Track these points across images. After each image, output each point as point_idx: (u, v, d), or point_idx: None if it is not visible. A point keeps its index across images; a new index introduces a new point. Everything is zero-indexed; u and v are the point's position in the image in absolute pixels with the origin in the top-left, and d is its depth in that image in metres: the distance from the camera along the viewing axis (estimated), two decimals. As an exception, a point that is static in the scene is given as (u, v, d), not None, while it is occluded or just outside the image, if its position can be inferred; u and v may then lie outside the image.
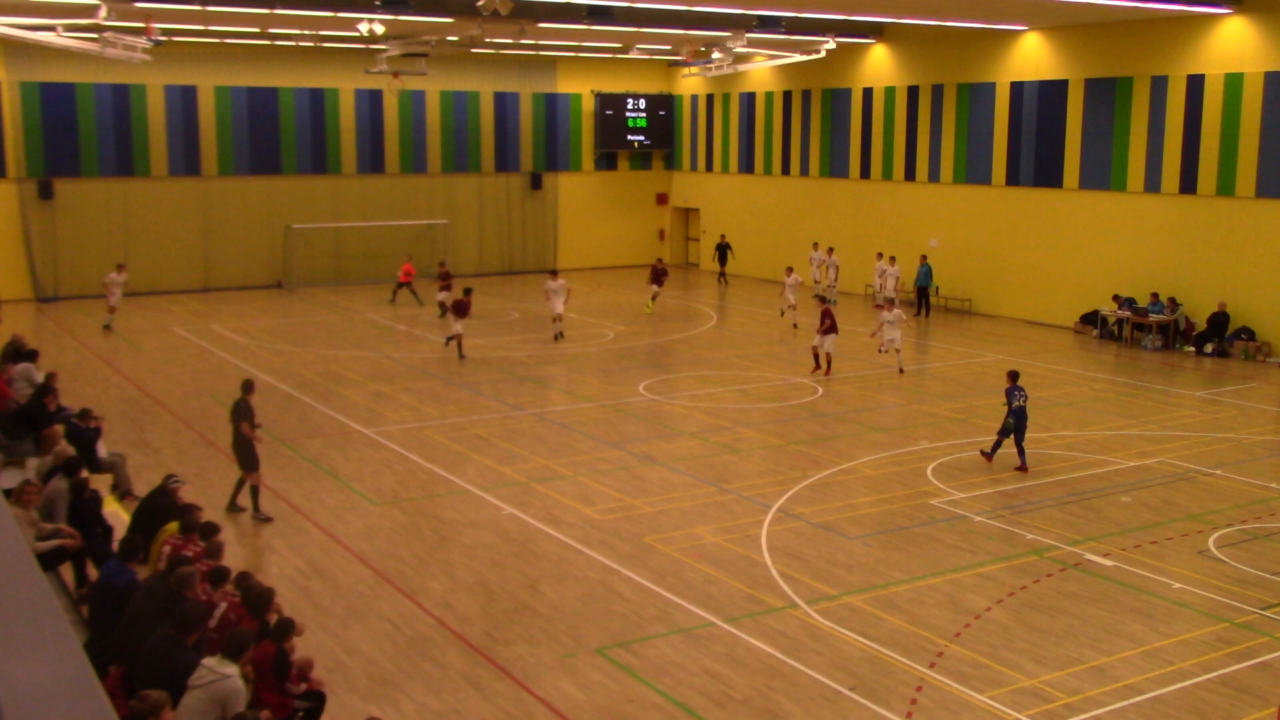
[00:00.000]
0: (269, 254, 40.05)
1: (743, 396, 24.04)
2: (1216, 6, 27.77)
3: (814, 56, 34.96)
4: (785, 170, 41.86)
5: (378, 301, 36.35)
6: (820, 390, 24.51)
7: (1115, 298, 30.77)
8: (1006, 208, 34.12)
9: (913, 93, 36.71)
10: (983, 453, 19.18)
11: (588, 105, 45.30)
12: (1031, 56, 33.10)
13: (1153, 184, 30.26)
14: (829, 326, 25.43)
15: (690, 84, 45.47)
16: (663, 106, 46.64)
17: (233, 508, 16.50)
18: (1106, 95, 31.18)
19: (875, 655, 12.07)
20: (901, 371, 26.05)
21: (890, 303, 27.58)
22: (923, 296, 34.68)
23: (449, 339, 28.13)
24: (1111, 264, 31.29)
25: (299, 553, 14.96)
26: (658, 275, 34.72)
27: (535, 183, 44.48)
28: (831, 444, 20.31)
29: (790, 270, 32.37)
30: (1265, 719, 10.82)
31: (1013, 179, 33.84)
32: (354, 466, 18.86)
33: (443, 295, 32.17)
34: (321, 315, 34.33)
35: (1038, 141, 33.05)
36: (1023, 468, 18.59)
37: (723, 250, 40.93)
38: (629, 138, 46.13)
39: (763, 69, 41.09)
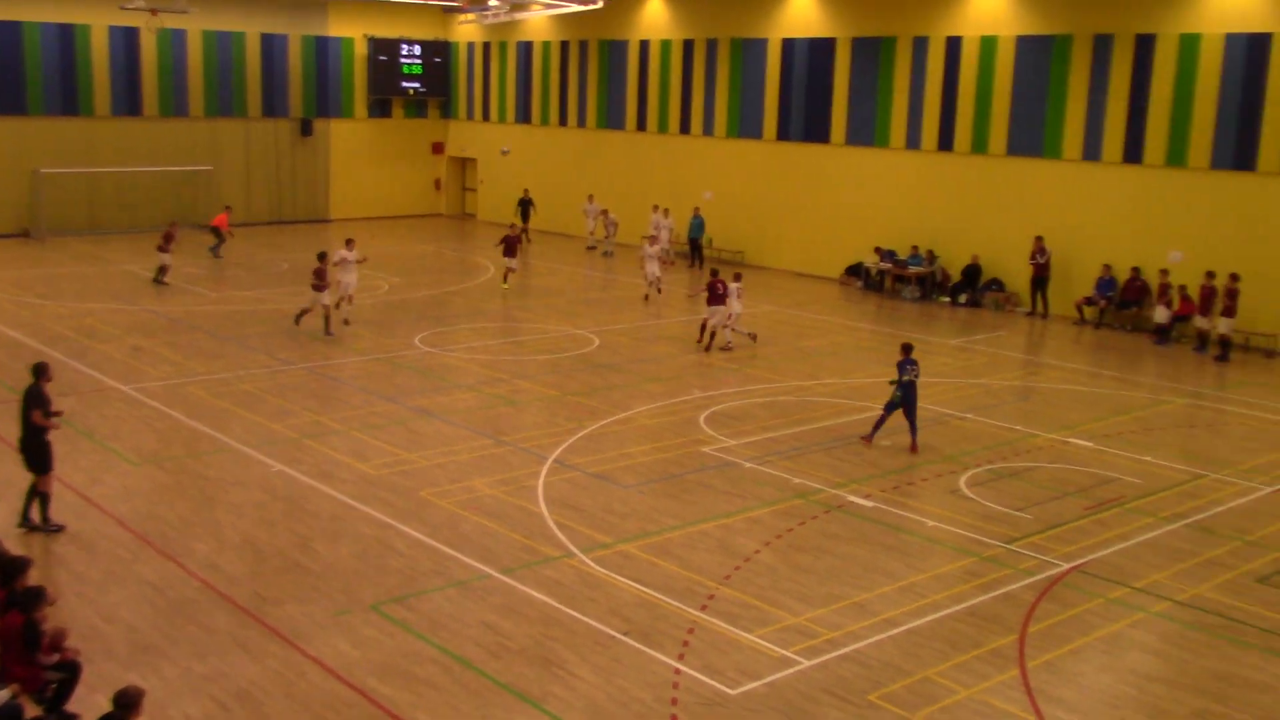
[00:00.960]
0: (14, 200, 37.48)
1: (519, 348, 24.00)
2: (971, -29, 29.06)
3: (591, 7, 34.91)
4: (563, 121, 41.77)
5: (139, 252, 34.52)
6: (597, 341, 24.69)
7: (877, 250, 32.05)
8: (777, 162, 35.01)
9: (688, 46, 37.13)
10: (863, 437, 18.15)
11: (360, 50, 43.98)
12: (803, 14, 33.93)
13: (913, 141, 31.58)
14: (717, 297, 23.63)
15: (467, 31, 44.72)
16: (439, 53, 45.73)
17: (26, 524, 13.79)
18: (872, 54, 32.29)
19: (649, 600, 12.32)
20: (754, 338, 24.89)
21: (729, 281, 24.37)
22: (696, 249, 35.31)
23: (299, 315, 24.75)
24: (874, 218, 32.55)
25: (52, 517, 14.16)
26: (511, 246, 30.20)
27: (305, 129, 43.01)
28: (607, 394, 20.53)
29: (591, 198, 33.30)
30: (1008, 645, 11.59)
31: (783, 134, 34.71)
32: (111, 425, 17.95)
33: (165, 257, 29.48)
34: (74, 266, 32.41)
35: (807, 98, 33.99)
36: (914, 448, 17.63)
37: (525, 205, 40.11)
38: (403, 85, 45.07)
39: (540, 18, 40.79)
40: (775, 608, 12.28)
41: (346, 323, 25.20)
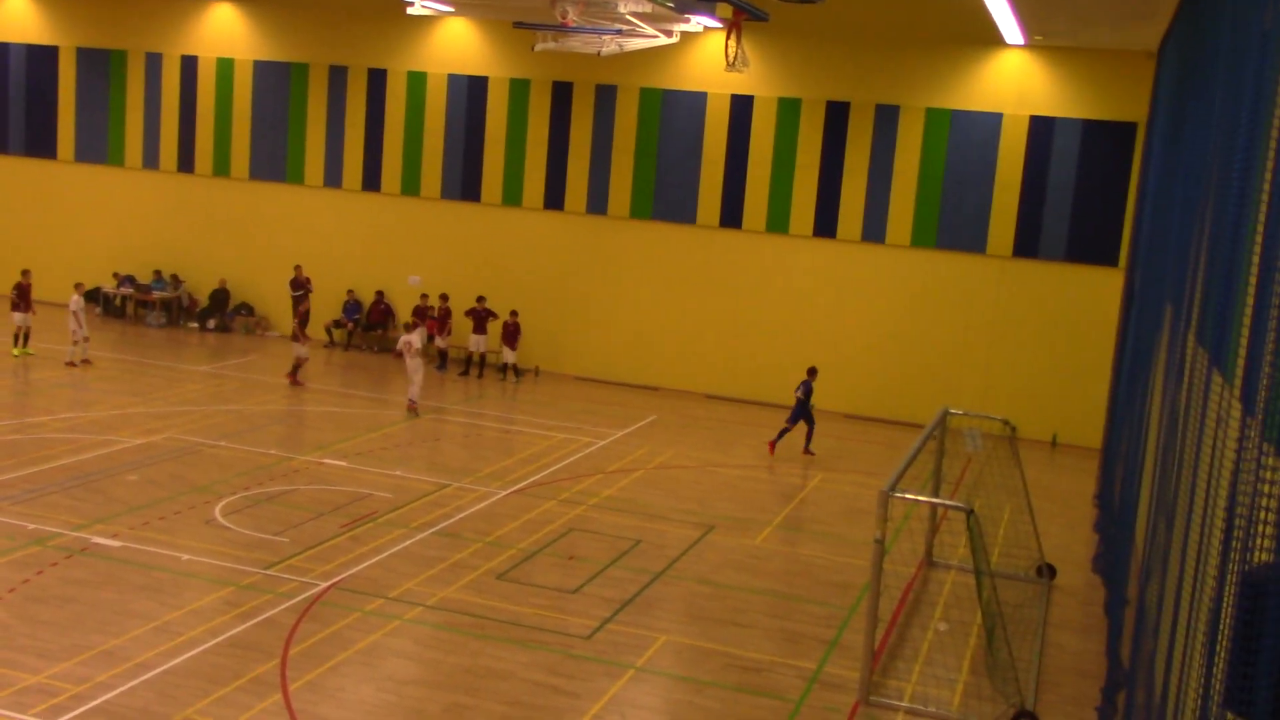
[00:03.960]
0: None
1: None
2: (207, -9, 28.51)
3: None
4: None
5: None
6: None
7: (115, 274, 30.23)
8: (-4, 177, 31.68)
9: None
10: (771, 442, 21.67)
11: None
12: (18, 18, 31.04)
13: (150, 160, 30.24)
14: None
15: None
16: None
17: None
18: (101, 66, 30.40)
19: None
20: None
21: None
22: None
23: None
24: (111, 240, 30.66)
25: None
26: (24, 297, 24.86)
27: None
28: None
29: None
30: (270, 671, 11.42)
31: (1, 147, 31.50)
32: None
33: None
34: None
35: (27, 107, 31.15)
36: (772, 446, 21.59)
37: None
38: None
39: None
40: (10, 669, 11.00)
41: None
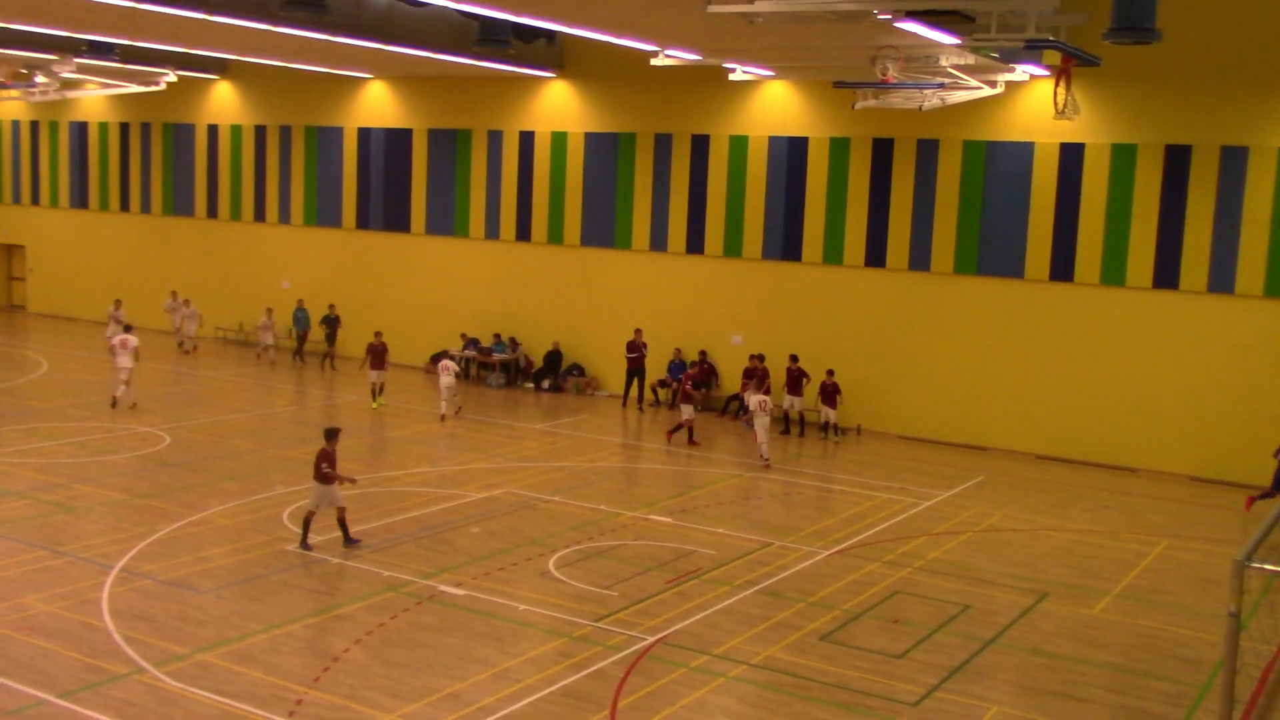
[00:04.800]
0: None
1: (79, 449, 22.13)
2: (542, 70, 30.23)
3: (153, 88, 33.24)
4: (125, 206, 39.36)
5: None
6: (168, 439, 23.21)
7: (463, 336, 32.25)
8: (358, 250, 34.63)
9: (260, 132, 36.17)
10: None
11: (-118, 125, 39.61)
12: (378, 104, 33.99)
13: (492, 231, 32.25)
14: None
15: (10, 107, 41.27)
16: (-22, 131, 41.95)
17: None
18: (448, 145, 32.79)
19: (232, 712, 11.55)
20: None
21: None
22: (303, 341, 33.78)
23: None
24: (457, 306, 32.84)
25: None
26: (378, 357, 27.78)
27: None
28: (181, 495, 19.28)
29: (174, 294, 31.70)
30: (601, 722, 11.80)
31: (363, 222, 34.44)
32: None
33: None
34: None
35: (386, 186, 33.95)
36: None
37: (331, 323, 33.42)
38: (-64, 164, 40.94)
39: (97, 97, 38.35)
40: (367, 706, 11.87)
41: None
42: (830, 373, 26.44)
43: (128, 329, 28.71)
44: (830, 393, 26.30)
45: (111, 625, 13.64)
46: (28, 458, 21.30)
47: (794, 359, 26.84)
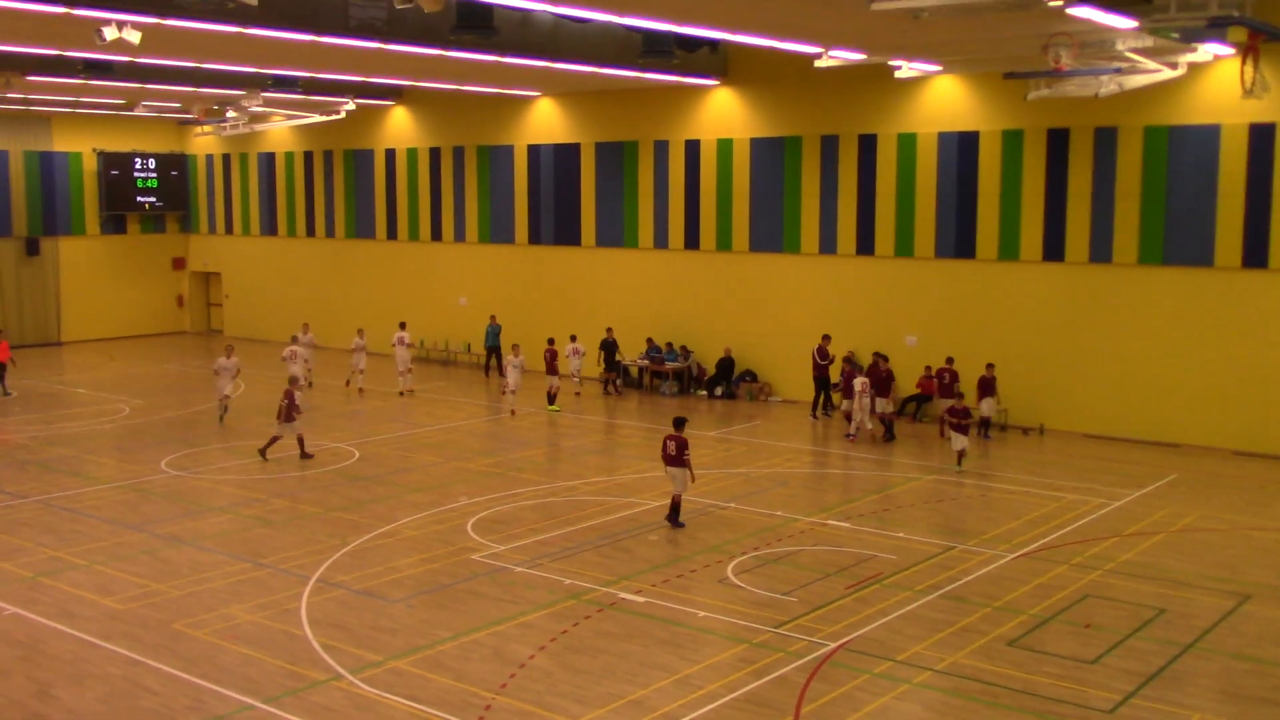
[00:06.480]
0: None
1: (275, 466, 23.17)
2: (706, 78, 30.35)
3: (334, 117, 34.66)
4: (310, 232, 41.09)
5: None
6: (358, 454, 24.11)
7: (649, 340, 32.38)
8: (530, 265, 35.35)
9: (434, 154, 37.29)
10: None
11: (90, 165, 42.25)
12: (546, 121, 34.65)
13: (660, 240, 32.51)
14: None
15: (204, 143, 43.60)
16: (175, 166, 44.38)
17: None
18: (615, 158, 33.20)
19: (423, 716, 11.93)
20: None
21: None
22: (492, 356, 34.65)
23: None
24: (629, 315, 33.18)
25: None
26: (550, 363, 30.06)
27: (32, 248, 40.81)
28: (370, 507, 20.00)
29: (361, 332, 32.47)
30: (784, 729, 11.75)
31: (535, 238, 35.14)
32: None
33: None
34: None
35: (556, 201, 34.58)
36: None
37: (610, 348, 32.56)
38: (139, 199, 43.47)
39: (282, 129, 40.18)
40: (553, 712, 12.09)
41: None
42: (989, 366, 25.73)
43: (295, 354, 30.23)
44: (987, 386, 25.50)
45: (310, 634, 14.23)
46: (228, 475, 22.41)
47: (883, 358, 26.37)
